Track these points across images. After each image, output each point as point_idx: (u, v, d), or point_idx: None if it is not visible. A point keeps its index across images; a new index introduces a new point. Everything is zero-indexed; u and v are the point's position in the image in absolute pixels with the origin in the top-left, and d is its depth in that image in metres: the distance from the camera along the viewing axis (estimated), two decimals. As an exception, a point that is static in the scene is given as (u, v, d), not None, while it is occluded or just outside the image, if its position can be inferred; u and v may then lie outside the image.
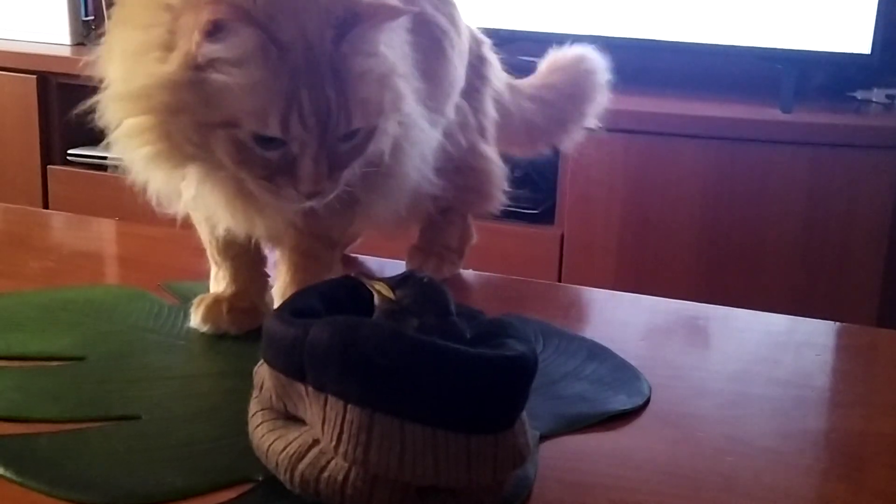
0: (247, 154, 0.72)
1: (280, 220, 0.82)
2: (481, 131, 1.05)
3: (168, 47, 0.72)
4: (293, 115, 0.70)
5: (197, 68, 0.70)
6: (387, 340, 0.58)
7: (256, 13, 0.70)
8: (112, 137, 0.77)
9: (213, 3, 0.69)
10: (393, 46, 0.80)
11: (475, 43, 1.06)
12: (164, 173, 0.79)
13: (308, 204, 0.76)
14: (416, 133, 0.86)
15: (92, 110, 0.79)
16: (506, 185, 1.07)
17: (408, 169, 0.87)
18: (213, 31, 0.69)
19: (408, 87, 0.81)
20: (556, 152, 1.34)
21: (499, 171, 1.06)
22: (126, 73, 0.75)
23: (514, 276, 1.12)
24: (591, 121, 1.19)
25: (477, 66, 1.06)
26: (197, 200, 0.81)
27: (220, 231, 0.86)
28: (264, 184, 0.74)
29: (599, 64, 1.17)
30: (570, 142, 1.22)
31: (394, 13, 0.76)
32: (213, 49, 0.70)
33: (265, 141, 0.72)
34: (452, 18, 0.98)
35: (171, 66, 0.71)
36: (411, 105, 0.82)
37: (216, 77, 0.70)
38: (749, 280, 1.99)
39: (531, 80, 1.18)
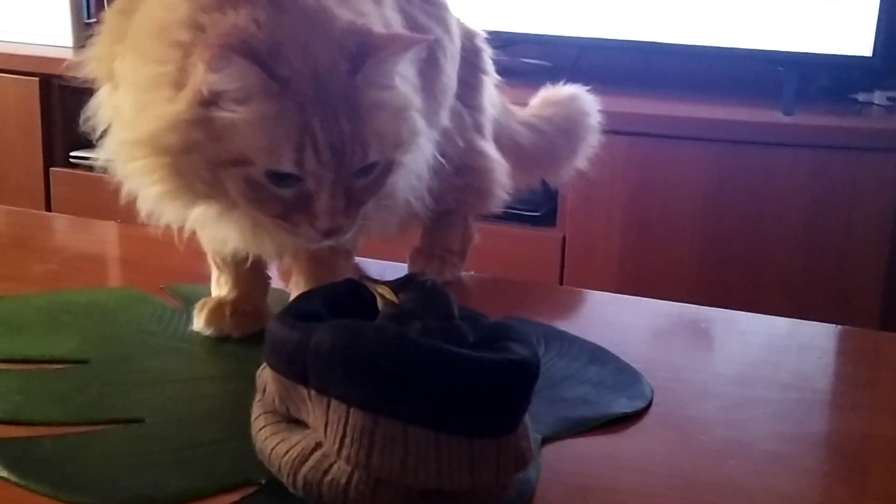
0: (261, 192, 0.71)
1: (291, 242, 0.80)
2: (478, 128, 1.04)
3: (178, 85, 0.70)
4: (307, 149, 0.69)
5: (204, 104, 0.69)
6: (390, 344, 0.58)
7: (258, 47, 0.68)
8: (123, 175, 0.77)
9: (219, 35, 0.68)
10: (406, 77, 0.79)
11: (468, 37, 1.05)
12: (175, 209, 0.77)
13: (326, 242, 0.74)
14: (414, 154, 0.84)
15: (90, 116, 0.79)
16: (507, 181, 1.06)
17: (403, 190, 0.85)
18: (216, 63, 0.68)
19: (423, 121, 0.80)
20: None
21: (499, 168, 1.04)
22: (136, 114, 0.73)
23: (516, 278, 1.12)
24: (582, 161, 1.18)
25: (471, 59, 1.04)
26: (206, 223, 0.80)
27: (227, 251, 0.84)
28: (280, 222, 0.73)
29: (593, 105, 1.17)
30: (559, 178, 1.21)
31: (409, 43, 0.75)
32: (215, 80, 0.68)
33: (279, 178, 0.70)
34: (444, 22, 0.97)
35: (180, 104, 0.69)
36: (426, 138, 0.80)
37: (223, 115, 0.69)
38: (751, 283, 1.99)
39: (524, 110, 1.16)
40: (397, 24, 0.85)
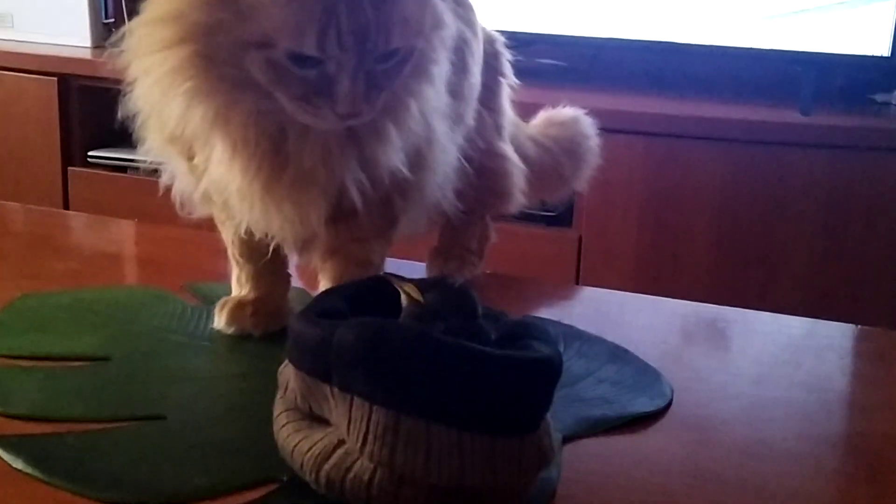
0: (282, 73, 0.71)
1: (307, 209, 0.79)
2: (498, 129, 1.04)
3: None
4: (330, 32, 0.69)
5: None
6: (413, 342, 0.58)
7: None
8: (154, 78, 0.75)
9: None
10: None
11: (489, 42, 1.05)
12: (205, 111, 0.75)
13: (345, 125, 0.74)
14: (440, 154, 0.85)
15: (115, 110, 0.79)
16: (524, 184, 1.06)
17: (431, 188, 0.86)
18: None
19: (446, 9, 0.79)
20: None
21: (516, 171, 1.05)
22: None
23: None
24: (581, 184, 1.18)
25: (492, 63, 1.04)
26: (214, 186, 0.79)
27: (242, 231, 0.84)
28: (301, 104, 0.73)
29: (593, 128, 1.16)
30: (556, 199, 1.21)
31: None
32: None
33: (301, 60, 0.70)
34: (472, 24, 0.97)
35: None
36: (450, 35, 0.80)
37: None
38: (768, 283, 1.99)
39: (528, 128, 1.16)
40: None
